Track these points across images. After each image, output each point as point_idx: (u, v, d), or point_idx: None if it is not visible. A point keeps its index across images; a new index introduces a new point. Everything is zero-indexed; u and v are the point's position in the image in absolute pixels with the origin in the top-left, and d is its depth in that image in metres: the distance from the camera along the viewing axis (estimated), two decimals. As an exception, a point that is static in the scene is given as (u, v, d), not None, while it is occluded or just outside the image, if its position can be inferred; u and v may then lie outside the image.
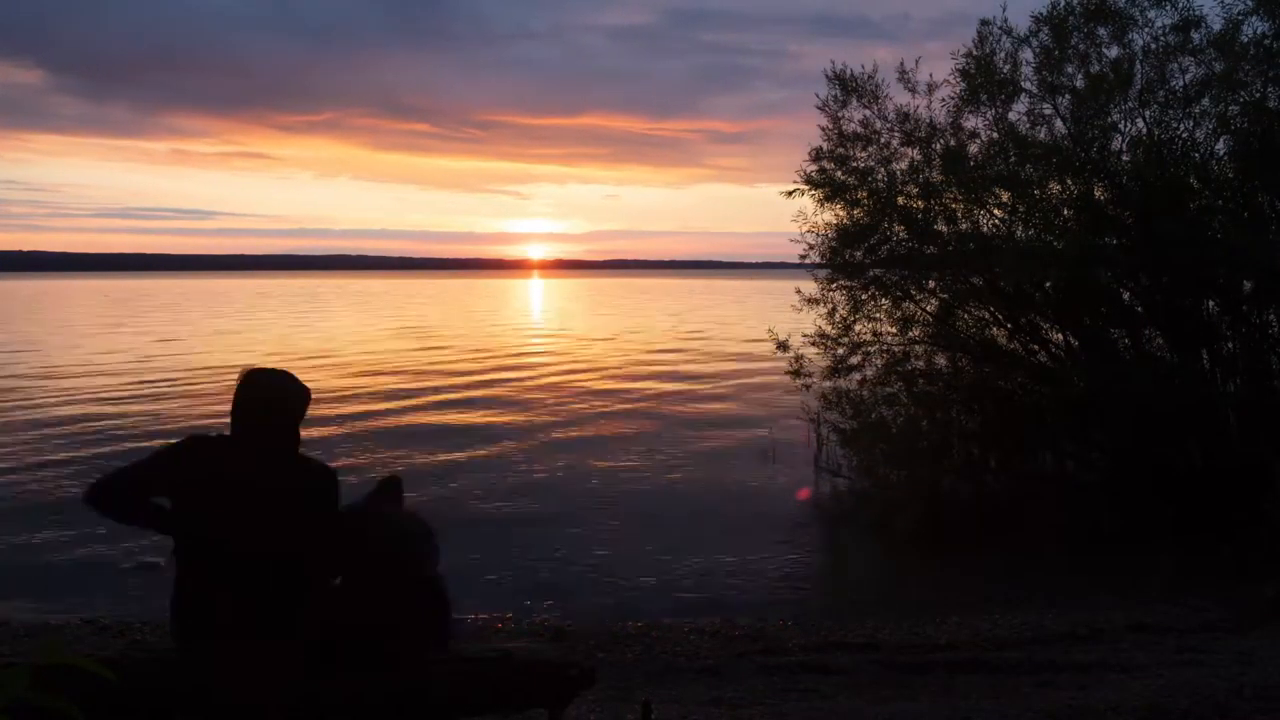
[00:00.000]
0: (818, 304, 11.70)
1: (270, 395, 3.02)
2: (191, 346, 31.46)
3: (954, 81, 10.83)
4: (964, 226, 11.12)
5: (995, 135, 10.83)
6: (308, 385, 3.11)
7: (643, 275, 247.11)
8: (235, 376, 3.06)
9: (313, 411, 3.22)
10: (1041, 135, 10.62)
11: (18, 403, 18.24)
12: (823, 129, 11.45)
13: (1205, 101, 9.83)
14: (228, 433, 3.00)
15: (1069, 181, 10.60)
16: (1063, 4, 10.21)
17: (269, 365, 3.16)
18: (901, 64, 11.03)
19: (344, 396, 18.91)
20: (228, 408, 3.02)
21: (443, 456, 13.35)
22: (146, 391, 20.00)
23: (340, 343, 33.42)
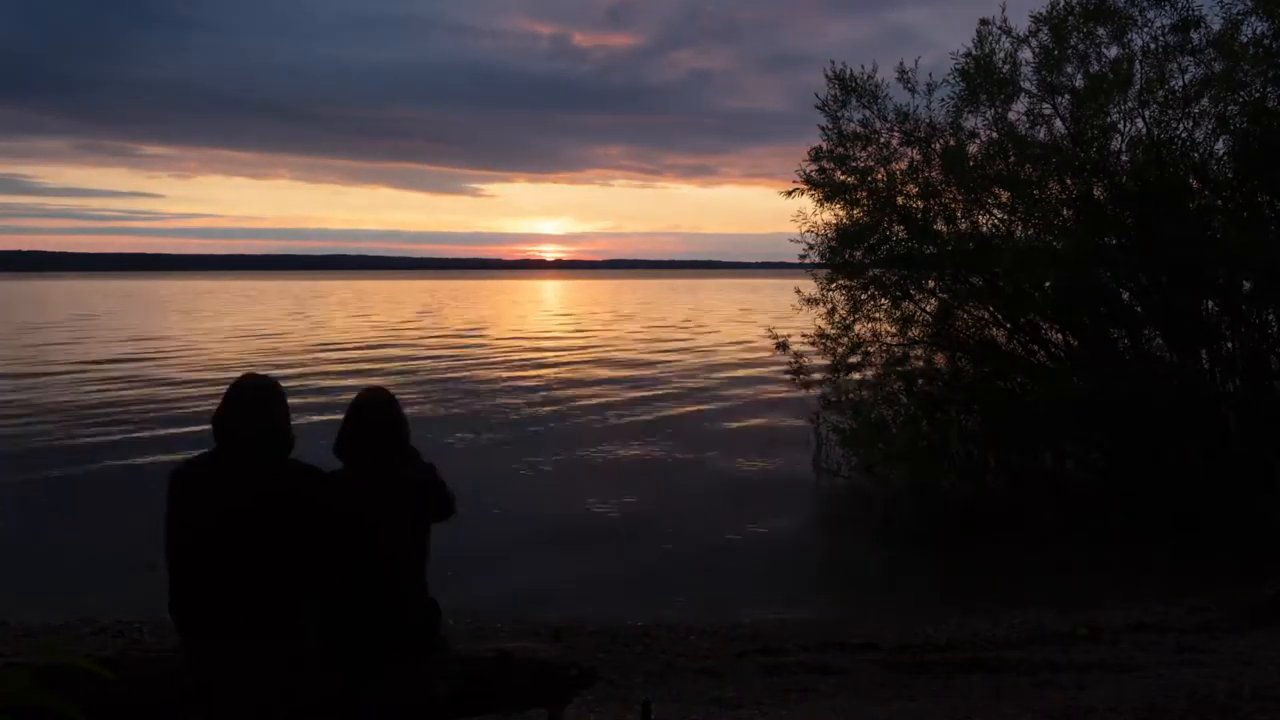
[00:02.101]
0: (817, 304, 11.72)
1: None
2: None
3: (953, 81, 10.85)
4: (964, 226, 11.13)
5: (995, 135, 10.84)
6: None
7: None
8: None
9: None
10: (1041, 135, 10.65)
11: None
12: (822, 128, 11.48)
13: (1205, 101, 9.84)
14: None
15: (1068, 181, 10.61)
16: (1062, 4, 10.22)
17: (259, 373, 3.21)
18: (901, 64, 11.06)
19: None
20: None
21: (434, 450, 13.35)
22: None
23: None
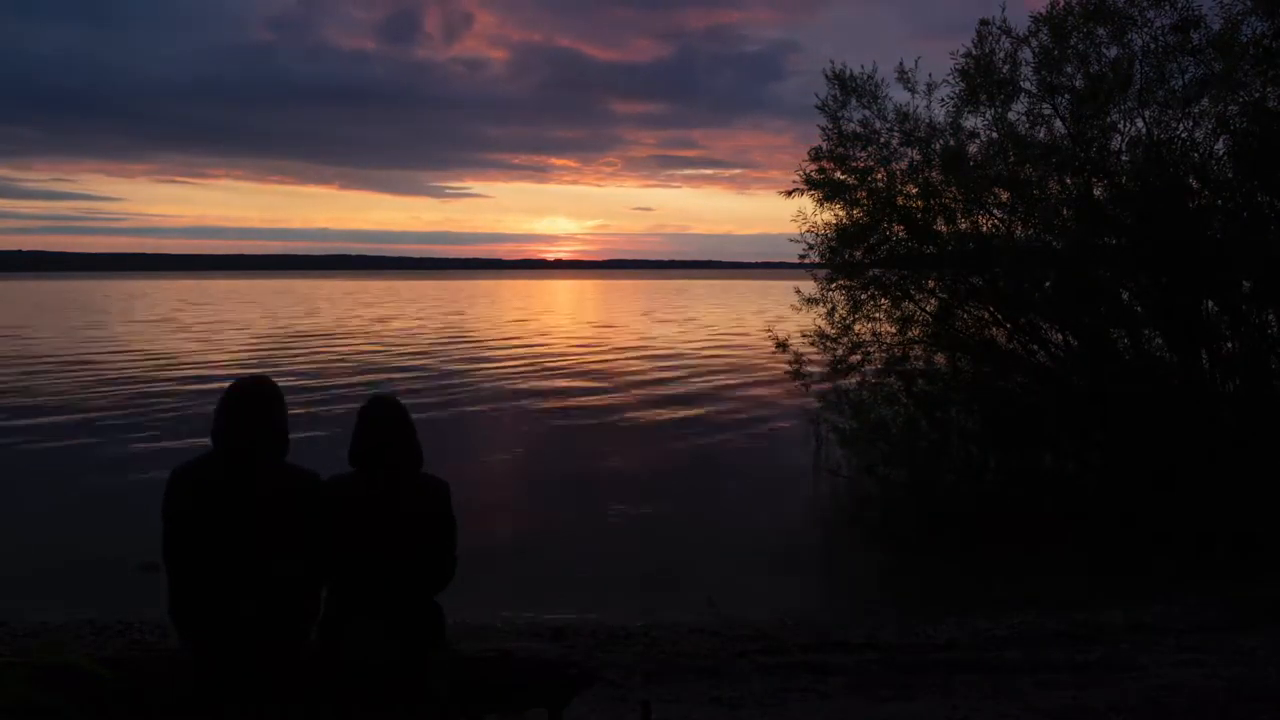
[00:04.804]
0: (817, 304, 11.72)
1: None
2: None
3: (953, 81, 10.86)
4: (963, 226, 11.14)
5: (995, 135, 10.84)
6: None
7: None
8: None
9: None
10: (1041, 135, 10.64)
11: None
12: (822, 129, 11.48)
13: (1204, 101, 9.83)
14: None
15: (1068, 181, 10.61)
16: (1062, 4, 10.22)
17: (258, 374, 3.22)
18: (900, 64, 11.06)
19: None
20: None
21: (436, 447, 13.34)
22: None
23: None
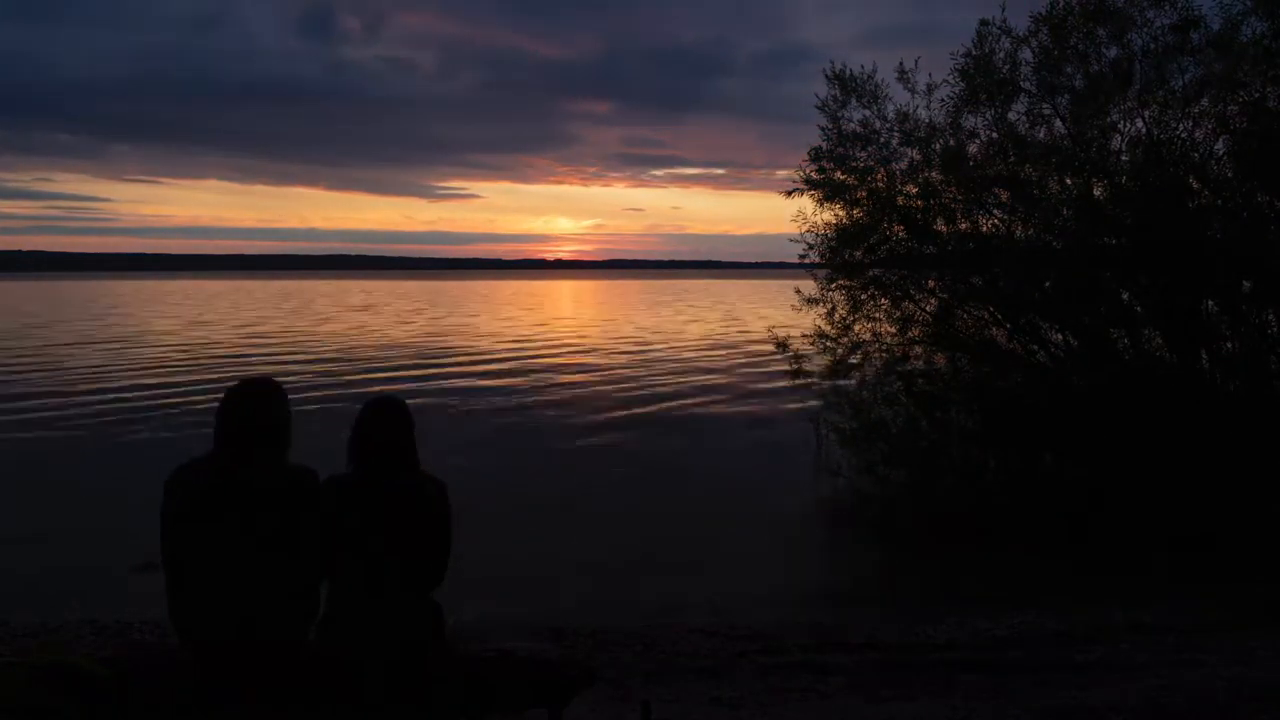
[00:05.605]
0: (817, 304, 11.72)
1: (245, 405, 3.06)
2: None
3: (953, 81, 10.86)
4: (963, 226, 11.14)
5: (994, 135, 10.84)
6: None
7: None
8: None
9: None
10: (1041, 135, 10.64)
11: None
12: (822, 129, 11.48)
13: (1204, 101, 9.83)
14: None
15: (1068, 181, 10.61)
16: (1062, 4, 10.22)
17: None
18: (900, 64, 11.06)
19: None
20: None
21: (437, 446, 13.35)
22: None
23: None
